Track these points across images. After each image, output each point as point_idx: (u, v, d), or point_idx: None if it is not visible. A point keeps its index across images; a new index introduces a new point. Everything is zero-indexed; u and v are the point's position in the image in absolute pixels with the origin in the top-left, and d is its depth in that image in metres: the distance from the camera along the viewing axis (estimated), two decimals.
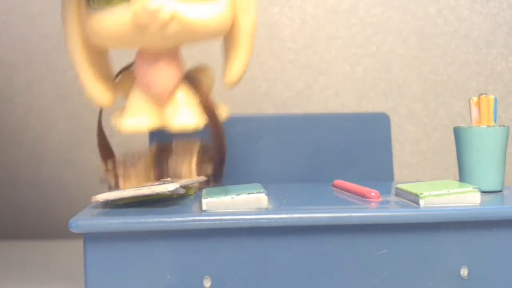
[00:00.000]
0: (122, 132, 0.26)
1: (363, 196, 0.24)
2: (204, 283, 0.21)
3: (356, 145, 0.36)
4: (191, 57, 0.30)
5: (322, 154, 0.36)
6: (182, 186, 0.23)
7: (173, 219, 0.20)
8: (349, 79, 0.47)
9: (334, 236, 0.21)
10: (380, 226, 0.21)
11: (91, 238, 0.21)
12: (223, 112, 0.27)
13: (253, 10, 0.25)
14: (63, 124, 0.47)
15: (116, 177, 0.26)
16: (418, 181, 0.27)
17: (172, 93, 0.25)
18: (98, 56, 0.26)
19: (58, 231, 0.45)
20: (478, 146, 0.26)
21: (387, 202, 0.23)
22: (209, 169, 0.28)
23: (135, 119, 0.25)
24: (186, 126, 0.25)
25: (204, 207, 0.21)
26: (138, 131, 0.26)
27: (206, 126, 0.27)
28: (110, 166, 0.27)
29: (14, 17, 0.46)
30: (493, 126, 0.26)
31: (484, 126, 0.26)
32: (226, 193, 0.22)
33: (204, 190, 0.23)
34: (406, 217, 0.21)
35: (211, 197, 0.22)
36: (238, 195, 0.22)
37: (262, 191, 0.22)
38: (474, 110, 0.27)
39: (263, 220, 0.21)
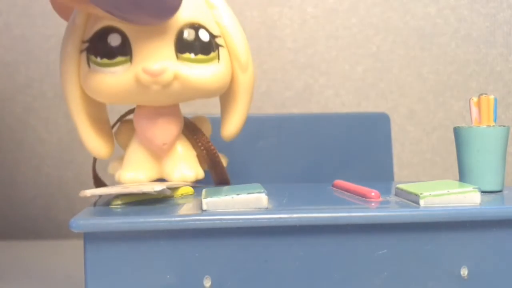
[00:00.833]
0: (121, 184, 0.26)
1: (363, 196, 0.24)
2: (204, 283, 0.21)
3: (356, 145, 0.36)
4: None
5: (322, 154, 0.36)
6: (169, 188, 0.24)
7: (173, 219, 0.20)
8: (349, 79, 0.47)
9: (334, 236, 0.21)
10: (380, 226, 0.21)
11: (91, 237, 0.21)
12: (223, 161, 0.28)
13: (251, 69, 0.26)
14: (63, 124, 0.47)
15: None
16: (418, 181, 0.27)
17: (171, 146, 0.26)
18: (95, 107, 0.26)
19: (58, 231, 0.45)
20: (478, 146, 0.26)
21: (387, 202, 0.23)
22: None
23: (135, 173, 0.26)
24: (185, 179, 0.26)
25: (204, 207, 0.21)
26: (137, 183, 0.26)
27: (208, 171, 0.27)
28: None
29: (14, 17, 0.46)
30: (493, 126, 0.26)
31: (484, 126, 0.26)
32: (226, 193, 0.22)
33: (204, 190, 0.24)
34: (406, 217, 0.21)
35: (211, 197, 0.22)
36: (238, 195, 0.22)
37: (262, 191, 0.22)
38: (474, 110, 0.27)
39: (263, 220, 0.21)
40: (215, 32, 0.24)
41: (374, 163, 0.36)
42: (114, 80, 0.23)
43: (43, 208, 0.46)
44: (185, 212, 0.21)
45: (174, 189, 0.25)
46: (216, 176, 0.29)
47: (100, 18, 0.23)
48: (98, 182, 0.30)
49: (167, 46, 0.23)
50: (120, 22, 0.23)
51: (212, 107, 0.38)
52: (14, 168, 0.47)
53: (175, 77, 0.23)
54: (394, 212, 0.21)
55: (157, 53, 0.23)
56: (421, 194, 0.22)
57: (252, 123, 0.34)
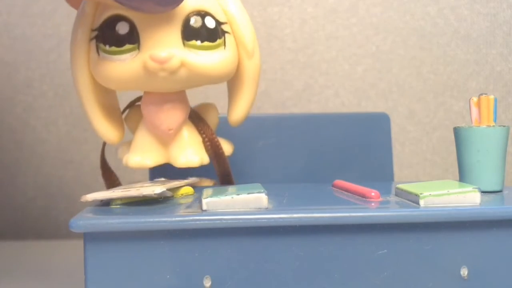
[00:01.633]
0: (128, 167, 0.27)
1: (363, 196, 0.24)
2: (204, 283, 0.21)
3: (356, 145, 0.36)
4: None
5: (322, 154, 0.36)
6: (169, 189, 0.24)
7: (173, 219, 0.20)
8: (349, 79, 0.47)
9: (334, 236, 0.21)
10: (380, 226, 0.21)
11: (91, 237, 0.21)
12: (227, 149, 0.28)
13: (257, 55, 0.26)
14: (63, 124, 0.47)
15: None
16: (418, 181, 0.27)
17: (177, 131, 0.26)
18: (105, 93, 0.26)
19: (58, 231, 0.45)
20: (478, 146, 0.26)
21: (387, 202, 0.23)
22: None
23: (141, 157, 0.26)
24: (190, 163, 0.26)
25: (204, 207, 0.21)
26: (143, 167, 0.27)
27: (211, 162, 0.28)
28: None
29: (14, 17, 0.46)
30: (493, 126, 0.26)
31: (484, 126, 0.26)
32: (226, 193, 0.22)
33: (204, 190, 0.24)
34: (406, 217, 0.21)
35: (211, 197, 0.22)
36: (238, 195, 0.22)
37: (262, 191, 0.22)
38: (474, 110, 0.27)
39: (263, 220, 0.21)
40: (221, 19, 0.25)
41: (374, 163, 0.36)
42: (122, 67, 0.24)
43: (43, 208, 0.46)
44: (185, 212, 0.21)
45: (174, 189, 0.25)
46: (219, 167, 0.29)
47: (109, 7, 0.24)
48: (106, 169, 0.30)
49: (174, 34, 0.23)
50: (128, 11, 0.23)
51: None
52: (14, 168, 0.47)
53: (182, 64, 0.23)
54: (394, 212, 0.21)
55: (164, 40, 0.23)
56: (421, 194, 0.22)
57: (252, 123, 0.34)
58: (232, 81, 0.27)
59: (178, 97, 0.26)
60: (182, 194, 0.25)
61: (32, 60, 0.46)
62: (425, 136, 0.47)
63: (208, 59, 0.24)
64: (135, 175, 0.44)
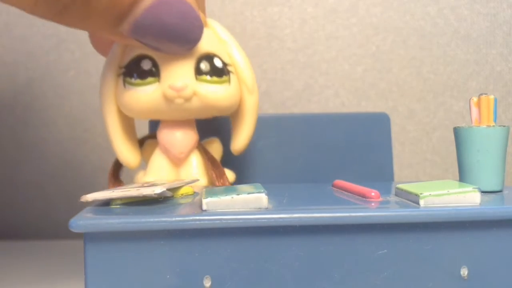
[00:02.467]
0: None
1: (363, 196, 0.24)
2: (204, 283, 0.21)
3: (356, 145, 0.36)
4: None
5: (322, 154, 0.36)
6: (169, 189, 0.24)
7: (173, 219, 0.20)
8: (349, 79, 0.47)
9: (334, 236, 0.21)
10: (380, 226, 0.21)
11: (91, 238, 0.21)
12: (230, 177, 0.31)
13: (256, 92, 0.31)
14: (63, 124, 0.47)
15: None
16: (418, 181, 0.27)
17: (187, 156, 0.30)
18: (127, 123, 0.31)
19: (58, 231, 0.45)
20: (478, 146, 0.26)
21: (387, 202, 0.23)
22: None
23: (155, 177, 0.30)
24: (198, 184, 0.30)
25: (204, 207, 0.21)
26: None
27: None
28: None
29: (14, 17, 0.46)
30: (493, 126, 0.26)
31: (484, 126, 0.26)
32: (226, 193, 0.22)
33: (204, 190, 0.24)
34: (406, 217, 0.21)
35: (211, 197, 0.22)
36: (238, 195, 0.22)
37: (262, 191, 0.22)
38: (474, 110, 0.27)
39: (263, 220, 0.21)
40: (226, 61, 0.30)
41: (374, 163, 0.36)
42: (145, 96, 0.29)
43: (43, 208, 0.46)
44: (185, 212, 0.21)
45: (174, 189, 0.25)
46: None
47: (135, 48, 0.29)
48: (115, 180, 0.33)
49: (188, 70, 0.28)
50: (151, 51, 0.28)
51: None
52: (14, 168, 0.47)
53: (194, 93, 0.28)
54: (394, 212, 0.21)
55: (180, 74, 0.28)
56: (421, 194, 0.22)
57: None
58: (235, 114, 0.32)
59: (189, 126, 0.30)
60: (182, 194, 0.25)
61: (32, 60, 0.46)
62: (425, 136, 0.47)
63: (216, 91, 0.29)
64: (134, 176, 0.44)
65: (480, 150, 0.26)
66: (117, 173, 0.32)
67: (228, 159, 0.33)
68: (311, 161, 0.36)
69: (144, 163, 0.32)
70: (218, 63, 0.29)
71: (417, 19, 0.47)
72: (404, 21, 0.47)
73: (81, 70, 0.47)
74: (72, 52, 0.46)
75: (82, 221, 0.20)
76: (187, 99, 0.28)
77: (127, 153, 0.31)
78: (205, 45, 0.29)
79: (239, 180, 0.32)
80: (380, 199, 0.24)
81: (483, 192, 0.23)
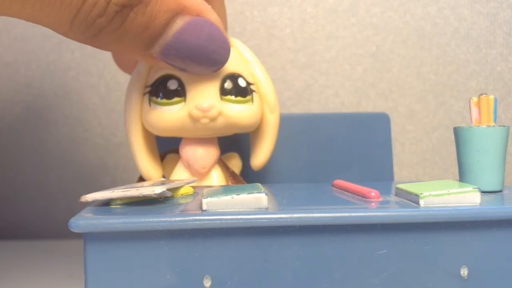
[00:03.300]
0: None
1: (363, 196, 0.24)
2: (204, 283, 0.21)
3: (356, 145, 0.36)
4: None
5: (322, 154, 0.36)
6: (169, 189, 0.24)
7: (173, 219, 0.20)
8: (349, 79, 0.47)
9: (334, 236, 0.21)
10: (380, 226, 0.21)
11: (91, 238, 0.21)
12: None
13: (278, 111, 0.32)
14: (63, 124, 0.47)
15: None
16: (418, 181, 0.27)
17: (208, 171, 0.31)
18: (149, 139, 0.32)
19: (58, 231, 0.45)
20: (478, 146, 0.26)
21: (387, 202, 0.23)
22: None
23: None
24: None
25: (204, 207, 0.22)
26: None
27: None
28: None
29: None
30: (493, 126, 0.26)
31: (484, 126, 0.26)
32: (226, 193, 0.22)
33: (204, 190, 0.24)
34: (406, 217, 0.21)
35: (211, 197, 0.22)
36: (238, 195, 0.22)
37: (262, 191, 0.22)
38: (474, 110, 0.27)
39: (263, 220, 0.21)
40: (250, 80, 0.30)
41: (374, 163, 0.36)
42: (171, 116, 0.29)
43: (43, 208, 0.46)
44: (185, 212, 0.21)
45: (174, 189, 0.25)
46: None
47: (162, 68, 0.29)
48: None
49: (213, 90, 0.29)
50: (178, 72, 0.29)
51: None
52: (14, 168, 0.47)
53: (220, 113, 0.29)
54: (394, 212, 0.21)
55: (206, 94, 0.29)
56: (421, 194, 0.22)
57: None
58: (256, 132, 0.32)
59: (211, 141, 0.31)
60: (182, 194, 0.25)
61: (32, 60, 0.46)
62: (425, 136, 0.47)
63: (240, 111, 0.30)
64: (134, 176, 0.44)
65: (480, 150, 0.26)
66: None
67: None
68: (311, 161, 0.36)
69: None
70: (242, 83, 0.30)
71: (417, 19, 0.47)
72: (404, 21, 0.47)
73: (81, 70, 0.47)
74: (72, 52, 0.46)
75: (82, 221, 0.20)
76: (213, 119, 0.29)
77: (149, 169, 0.31)
78: (230, 65, 0.29)
79: None
80: (380, 199, 0.24)
81: (483, 192, 0.23)
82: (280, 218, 0.21)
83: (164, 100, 0.29)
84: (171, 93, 0.29)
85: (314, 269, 0.21)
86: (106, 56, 0.46)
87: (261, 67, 0.32)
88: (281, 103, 0.46)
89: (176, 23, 0.26)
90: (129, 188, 0.24)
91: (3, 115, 0.46)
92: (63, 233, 0.44)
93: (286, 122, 0.35)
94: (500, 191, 0.26)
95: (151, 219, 0.20)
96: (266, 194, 0.22)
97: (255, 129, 0.32)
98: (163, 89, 0.29)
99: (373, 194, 0.24)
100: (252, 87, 0.31)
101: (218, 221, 0.21)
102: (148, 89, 0.30)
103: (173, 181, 0.27)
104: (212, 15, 0.27)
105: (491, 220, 0.22)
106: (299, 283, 0.21)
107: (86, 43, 0.26)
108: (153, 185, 0.25)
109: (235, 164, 0.33)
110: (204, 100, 0.29)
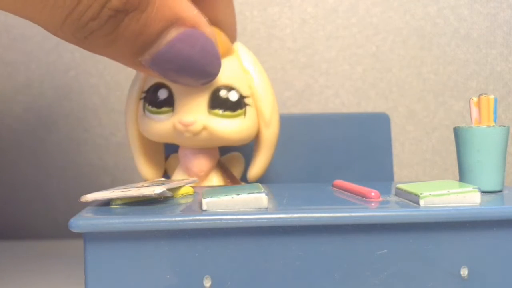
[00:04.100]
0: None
1: (363, 196, 0.24)
2: (204, 283, 0.21)
3: (356, 145, 0.36)
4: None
5: (322, 154, 0.36)
6: (169, 189, 0.24)
7: (173, 219, 0.20)
8: (349, 79, 0.47)
9: (334, 236, 0.21)
10: (380, 226, 0.21)
11: (91, 237, 0.21)
12: None
13: (275, 125, 0.31)
14: (63, 124, 0.47)
15: None
16: (418, 181, 0.27)
17: (207, 175, 0.31)
18: (149, 141, 0.32)
19: (58, 231, 0.45)
20: (478, 146, 0.26)
21: (387, 202, 0.23)
22: None
23: None
24: None
25: (204, 207, 0.22)
26: None
27: None
28: None
29: (14, 17, 0.46)
30: (493, 126, 0.26)
31: (484, 126, 0.26)
32: (226, 193, 0.22)
33: (204, 190, 0.24)
34: (406, 217, 0.21)
35: (211, 197, 0.22)
36: (238, 195, 0.22)
37: (262, 191, 0.22)
38: (474, 110, 0.27)
39: (263, 220, 0.21)
40: (244, 93, 0.30)
41: (374, 163, 0.36)
42: (159, 125, 0.29)
43: (43, 208, 0.46)
44: (185, 212, 0.21)
45: (174, 189, 0.25)
46: None
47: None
48: None
49: (202, 103, 0.29)
50: (169, 81, 0.28)
51: None
52: (14, 168, 0.47)
53: (204, 128, 0.28)
54: (394, 212, 0.21)
55: (192, 108, 0.29)
56: (421, 194, 0.22)
57: None
58: (254, 144, 0.32)
59: (207, 148, 0.31)
60: (182, 194, 0.25)
61: (32, 60, 0.46)
62: (425, 136, 0.47)
63: (227, 125, 0.29)
64: (134, 176, 0.44)
65: (480, 150, 0.26)
66: None
67: None
68: (311, 161, 0.36)
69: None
70: (233, 96, 0.29)
71: (417, 19, 0.47)
72: (404, 21, 0.47)
73: (81, 70, 0.47)
74: (72, 52, 0.46)
75: (82, 221, 0.20)
76: (195, 134, 0.29)
77: (148, 171, 0.32)
78: (223, 76, 0.29)
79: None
80: (380, 199, 0.24)
81: (483, 192, 0.23)
82: (280, 218, 0.21)
83: (154, 109, 0.29)
84: (161, 102, 0.29)
85: (314, 269, 0.21)
86: None
87: (261, 77, 0.31)
88: (281, 103, 0.46)
89: (170, 33, 0.25)
90: (129, 188, 0.24)
91: (3, 115, 0.46)
92: (63, 233, 0.44)
93: (286, 122, 0.35)
94: (500, 191, 0.26)
95: (151, 219, 0.20)
96: (266, 194, 0.22)
97: (249, 142, 0.31)
98: (154, 97, 0.29)
99: (373, 194, 0.24)
100: (246, 100, 0.30)
101: (218, 221, 0.21)
102: (143, 95, 0.30)
103: (173, 181, 0.27)
104: (207, 29, 0.26)
105: (491, 220, 0.22)
106: (299, 283, 0.21)
107: (76, 44, 0.25)
108: (153, 185, 0.25)
109: (237, 164, 0.33)
110: (189, 113, 0.28)
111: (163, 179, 0.30)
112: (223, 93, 0.29)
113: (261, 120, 0.30)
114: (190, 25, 0.26)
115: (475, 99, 0.27)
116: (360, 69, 0.47)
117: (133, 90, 0.31)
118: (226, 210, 0.21)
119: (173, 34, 0.25)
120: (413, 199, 0.23)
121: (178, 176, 0.31)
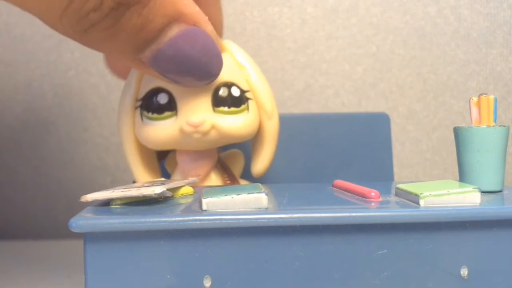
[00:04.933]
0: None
1: (363, 196, 0.24)
2: (204, 283, 0.21)
3: (356, 145, 0.36)
4: None
5: (322, 154, 0.36)
6: (169, 189, 0.24)
7: (173, 219, 0.20)
8: (349, 79, 0.47)
9: (334, 236, 0.21)
10: (380, 226, 0.21)
11: (91, 238, 0.21)
12: None
13: (276, 116, 0.31)
14: (62, 124, 0.47)
15: None
16: (418, 181, 0.27)
17: (206, 176, 0.31)
18: (145, 149, 0.31)
19: (58, 231, 0.45)
20: (478, 146, 0.26)
21: (387, 202, 0.23)
22: None
23: None
24: None
25: (204, 207, 0.22)
26: None
27: None
28: None
29: (14, 17, 0.46)
30: (493, 126, 0.26)
31: (484, 126, 0.26)
32: (226, 193, 0.22)
33: (204, 190, 0.24)
34: (406, 217, 0.21)
35: (211, 197, 0.22)
36: (238, 195, 0.22)
37: (262, 191, 0.22)
38: (474, 110, 0.27)
39: (263, 220, 0.21)
40: (244, 88, 0.29)
41: (374, 163, 0.36)
42: (163, 130, 0.28)
43: (43, 208, 0.46)
44: (185, 212, 0.21)
45: (174, 189, 0.25)
46: None
47: (151, 80, 0.28)
48: None
49: (205, 102, 0.28)
50: (168, 84, 0.28)
51: None
52: (14, 168, 0.47)
53: (212, 127, 0.28)
54: (394, 212, 0.21)
55: (197, 108, 0.28)
56: (421, 194, 0.22)
57: None
58: (255, 139, 0.31)
59: (208, 150, 0.30)
60: (182, 194, 0.25)
61: (32, 60, 0.46)
62: (425, 136, 0.47)
63: (234, 122, 0.29)
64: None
65: (480, 150, 0.26)
66: None
67: None
68: (311, 161, 0.36)
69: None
70: (235, 92, 0.29)
71: (417, 19, 0.47)
72: (404, 21, 0.47)
73: (81, 70, 0.47)
74: (72, 52, 0.46)
75: (82, 221, 0.20)
76: (205, 134, 0.28)
77: (143, 175, 0.31)
78: (223, 74, 0.28)
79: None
80: (380, 199, 0.24)
81: (483, 192, 0.23)
82: (280, 218, 0.21)
83: (155, 115, 0.28)
84: (162, 107, 0.28)
85: (314, 269, 0.21)
86: None
87: (256, 71, 0.30)
88: (281, 103, 0.46)
89: (171, 29, 0.25)
90: (129, 188, 0.24)
91: (3, 115, 0.46)
92: (63, 233, 0.44)
93: (286, 122, 0.35)
94: (500, 191, 0.26)
95: (151, 219, 0.20)
96: (266, 194, 0.22)
97: (253, 137, 0.31)
98: (153, 103, 0.28)
99: (373, 194, 0.24)
100: (247, 94, 0.29)
101: (218, 221, 0.21)
102: (139, 103, 0.29)
103: (173, 181, 0.27)
104: (208, 27, 0.26)
105: (491, 220, 0.22)
106: (299, 283, 0.21)
107: (74, 39, 0.25)
108: (153, 185, 0.25)
109: (237, 161, 0.33)
110: (196, 114, 0.28)
111: (163, 179, 0.30)
112: (225, 90, 0.28)
113: (263, 112, 0.30)
114: (191, 23, 0.25)
115: (475, 99, 0.27)
116: (360, 69, 0.47)
117: (126, 101, 0.30)
118: (226, 210, 0.21)
119: (175, 30, 0.25)
120: (413, 199, 0.23)
121: (177, 178, 0.31)
